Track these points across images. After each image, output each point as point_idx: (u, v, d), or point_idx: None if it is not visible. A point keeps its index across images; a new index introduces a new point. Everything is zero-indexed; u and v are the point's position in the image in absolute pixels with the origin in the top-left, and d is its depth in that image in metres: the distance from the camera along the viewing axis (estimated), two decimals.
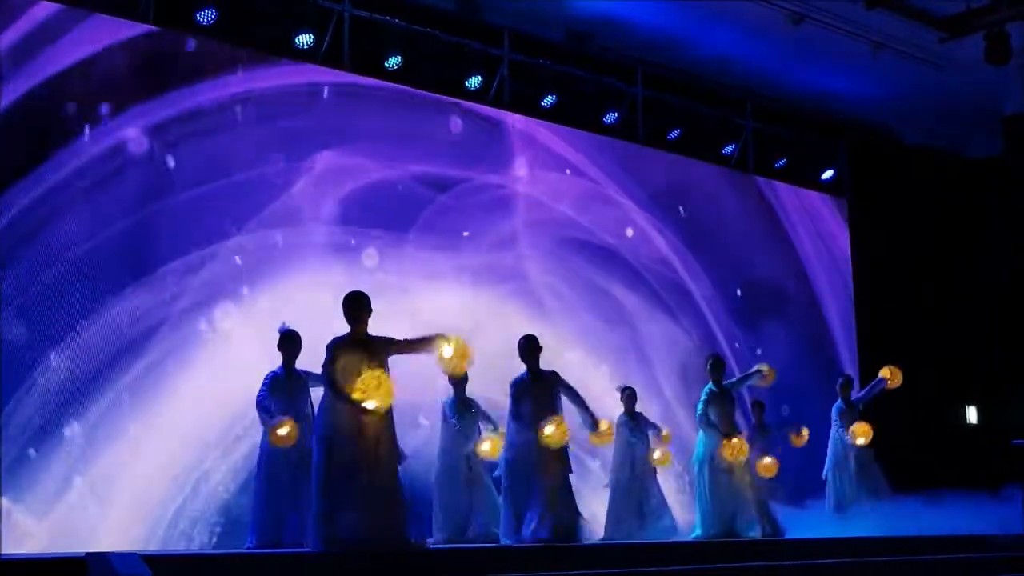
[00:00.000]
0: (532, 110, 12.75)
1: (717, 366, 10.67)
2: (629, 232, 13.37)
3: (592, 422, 9.28)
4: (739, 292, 14.37)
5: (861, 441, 11.75)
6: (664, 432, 11.52)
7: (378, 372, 7.21)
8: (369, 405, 7.16)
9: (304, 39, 11.02)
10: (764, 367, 11.00)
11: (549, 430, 8.63)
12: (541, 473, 8.65)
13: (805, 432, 11.93)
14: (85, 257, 9.32)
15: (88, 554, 6.11)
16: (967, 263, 16.94)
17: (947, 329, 16.58)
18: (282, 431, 8.44)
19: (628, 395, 11.65)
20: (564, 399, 9.06)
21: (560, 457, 8.77)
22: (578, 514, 8.84)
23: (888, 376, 12.01)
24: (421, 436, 10.29)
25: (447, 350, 7.54)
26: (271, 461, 8.68)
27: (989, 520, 11.30)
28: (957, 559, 10.06)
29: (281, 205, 10.59)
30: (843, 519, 11.57)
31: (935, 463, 14.53)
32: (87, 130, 9.49)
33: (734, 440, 10.23)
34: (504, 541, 8.78)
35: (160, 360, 9.62)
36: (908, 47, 14.26)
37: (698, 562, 8.58)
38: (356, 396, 7.15)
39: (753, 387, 11.81)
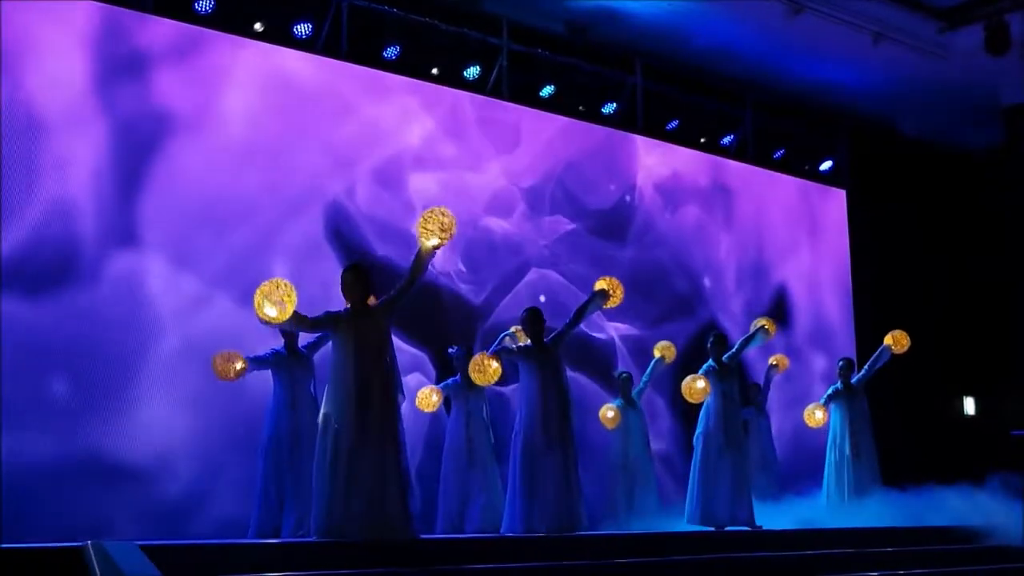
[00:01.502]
0: (531, 100, 12.72)
1: (718, 343, 10.43)
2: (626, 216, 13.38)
3: (599, 298, 9.04)
4: (736, 284, 14.36)
5: (819, 416, 11.62)
6: (660, 354, 11.48)
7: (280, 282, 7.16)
8: (270, 311, 7.11)
9: (303, 28, 11.01)
10: (763, 320, 10.72)
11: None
12: (548, 459, 8.59)
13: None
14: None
15: (87, 544, 6.08)
16: (966, 253, 16.94)
17: (945, 320, 16.58)
18: (236, 365, 8.52)
19: (624, 380, 11.65)
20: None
21: (565, 441, 8.69)
22: (583, 505, 8.76)
23: (891, 343, 11.72)
24: None
25: (432, 240, 7.47)
26: (273, 449, 8.63)
27: (985, 511, 11.17)
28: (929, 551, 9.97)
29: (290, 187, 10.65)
30: (833, 508, 11.48)
31: (932, 454, 14.55)
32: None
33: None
34: (507, 531, 8.73)
35: (159, 347, 9.64)
36: (908, 37, 14.25)
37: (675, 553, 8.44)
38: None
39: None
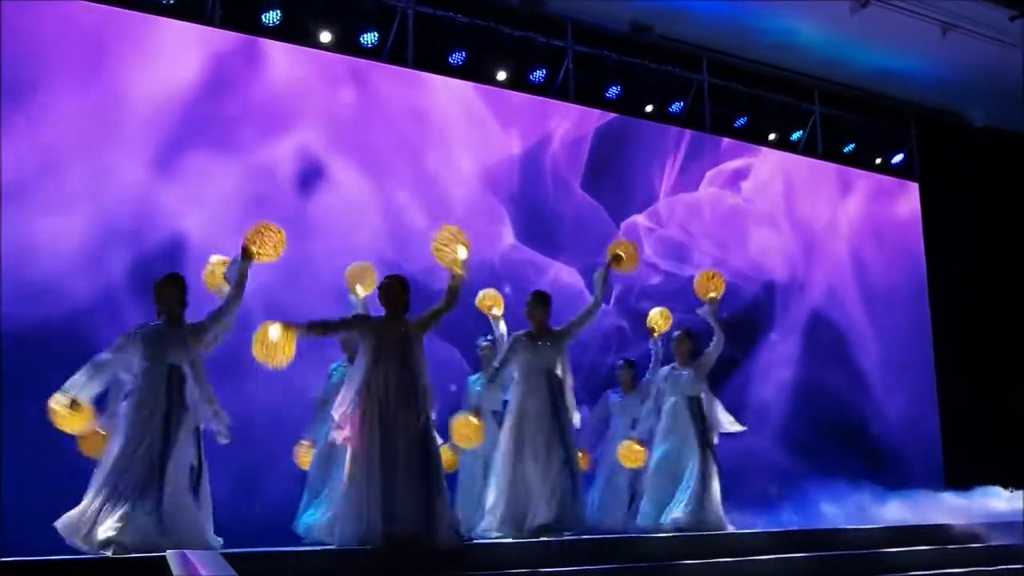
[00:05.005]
0: (597, 102, 12.73)
1: (537, 303, 8.52)
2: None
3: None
4: (807, 280, 14.25)
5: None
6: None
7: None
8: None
9: (368, 37, 11.10)
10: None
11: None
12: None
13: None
14: None
15: (169, 554, 6.16)
16: None
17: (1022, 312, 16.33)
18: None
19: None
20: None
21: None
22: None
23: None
24: None
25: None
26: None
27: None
28: None
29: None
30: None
31: (1001, 448, 14.35)
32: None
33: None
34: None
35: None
36: (978, 26, 14.04)
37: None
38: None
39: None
